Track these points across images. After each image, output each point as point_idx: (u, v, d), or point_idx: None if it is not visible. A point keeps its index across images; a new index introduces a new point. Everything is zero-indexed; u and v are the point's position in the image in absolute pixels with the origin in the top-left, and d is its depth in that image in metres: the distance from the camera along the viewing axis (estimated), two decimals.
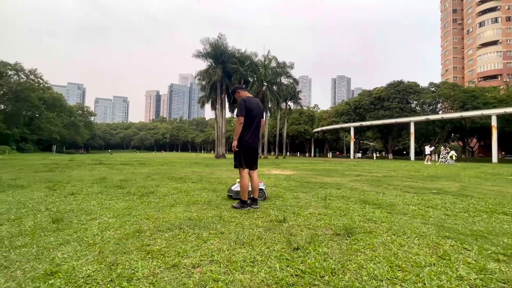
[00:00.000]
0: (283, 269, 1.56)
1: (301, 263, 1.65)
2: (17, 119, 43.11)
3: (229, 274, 1.49)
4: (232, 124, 66.17)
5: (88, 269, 1.51)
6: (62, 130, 51.96)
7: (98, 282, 1.37)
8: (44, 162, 12.86)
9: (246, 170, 3.30)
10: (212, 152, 77.15)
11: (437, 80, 50.89)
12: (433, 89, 40.24)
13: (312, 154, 55.53)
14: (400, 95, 40.51)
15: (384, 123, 38.12)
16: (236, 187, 3.79)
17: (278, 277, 1.46)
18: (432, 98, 39.03)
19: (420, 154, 42.34)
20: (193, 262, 1.63)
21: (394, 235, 2.24)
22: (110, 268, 1.54)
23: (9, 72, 42.61)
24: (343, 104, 51.97)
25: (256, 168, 3.44)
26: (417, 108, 41.49)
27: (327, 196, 4.08)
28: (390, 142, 45.51)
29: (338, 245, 1.98)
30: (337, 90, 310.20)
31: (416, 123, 34.08)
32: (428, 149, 19.46)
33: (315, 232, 2.27)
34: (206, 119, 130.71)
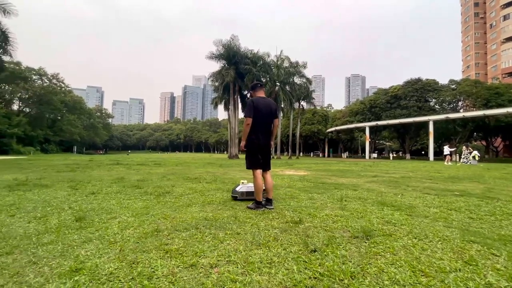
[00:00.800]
0: (301, 271, 1.54)
1: (319, 265, 1.62)
2: (41, 121, 45.31)
3: (246, 275, 1.48)
4: None
5: (110, 267, 1.56)
6: (82, 132, 54.16)
7: (120, 280, 1.41)
8: (66, 163, 13.43)
9: (258, 171, 3.29)
10: (225, 152, 77.77)
11: (458, 77, 48.70)
12: (454, 86, 38.59)
13: (326, 155, 54.76)
14: (418, 93, 39.15)
15: (401, 123, 36.98)
16: (240, 188, 3.75)
17: (296, 279, 1.45)
18: (453, 96, 37.45)
19: (439, 154, 40.72)
20: (211, 262, 1.64)
21: (415, 238, 2.16)
22: (131, 266, 1.58)
23: (33, 77, 44.91)
24: (358, 103, 50.90)
25: (269, 168, 3.42)
26: (436, 106, 39.94)
27: (343, 198, 4.01)
28: (408, 142, 44.06)
29: (356, 248, 1.93)
30: (351, 89, 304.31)
31: (435, 122, 32.83)
32: (447, 149, 18.67)
33: (332, 234, 2.23)
34: (219, 120, 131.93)
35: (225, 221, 2.62)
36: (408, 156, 42.50)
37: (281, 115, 37.07)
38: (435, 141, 35.02)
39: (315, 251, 1.85)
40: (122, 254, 1.76)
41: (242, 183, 3.88)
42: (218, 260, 1.68)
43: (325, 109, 67.00)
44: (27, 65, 43.49)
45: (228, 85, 29.54)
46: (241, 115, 34.65)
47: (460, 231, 2.37)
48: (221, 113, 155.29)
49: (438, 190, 4.96)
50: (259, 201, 3.21)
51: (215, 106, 33.88)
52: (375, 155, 45.07)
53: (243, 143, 3.28)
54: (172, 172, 8.29)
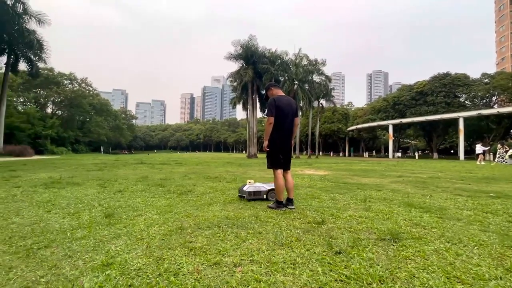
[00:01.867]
0: (326, 274, 1.50)
1: (345, 268, 1.58)
2: (71, 123, 48.26)
3: (270, 275, 1.47)
4: (263, 124, 66.47)
5: (139, 262, 1.61)
6: (108, 133, 56.98)
7: (148, 275, 1.45)
8: (94, 162, 14.19)
9: (279, 171, 3.25)
10: (244, 152, 78.26)
11: (491, 70, 45.36)
12: (487, 80, 35.99)
13: (347, 154, 53.39)
14: (446, 89, 36.96)
15: (427, 120, 35.09)
16: (247, 188, 3.71)
17: (322, 281, 1.41)
18: (486, 90, 34.95)
19: (470, 153, 38.22)
20: (234, 261, 1.65)
21: (448, 242, 2.04)
22: (158, 262, 1.62)
23: (65, 82, 47.93)
24: (380, 100, 49.07)
25: (289, 168, 3.37)
26: (467, 102, 37.54)
27: (367, 198, 3.87)
28: (435, 140, 41.75)
29: (384, 250, 1.85)
30: (373, 86, 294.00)
31: (465, 119, 30.85)
32: (480, 148, 17.43)
33: (357, 236, 2.16)
34: (238, 120, 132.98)
35: (246, 220, 2.62)
36: (435, 155, 40.32)
37: (300, 114, 36.65)
38: (465, 139, 32.91)
39: (339, 253, 1.80)
40: (149, 250, 1.82)
41: (249, 182, 3.85)
42: (241, 259, 1.68)
43: (345, 107, 65.38)
44: (59, 71, 46.52)
45: (247, 85, 29.68)
46: (259, 114, 34.74)
47: (498, 236, 2.19)
48: (240, 113, 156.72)
49: (471, 192, 4.65)
50: (280, 201, 3.18)
51: (234, 106, 34.17)
52: (399, 154, 43.16)
53: (266, 143, 3.22)
54: (193, 171, 8.47)
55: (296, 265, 1.61)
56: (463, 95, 37.65)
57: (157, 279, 1.41)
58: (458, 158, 31.06)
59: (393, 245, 1.95)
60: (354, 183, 5.75)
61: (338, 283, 1.41)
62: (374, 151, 56.65)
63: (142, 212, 2.95)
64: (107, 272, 1.48)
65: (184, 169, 9.45)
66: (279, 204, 3.17)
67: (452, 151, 53.92)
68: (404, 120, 37.46)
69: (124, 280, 1.39)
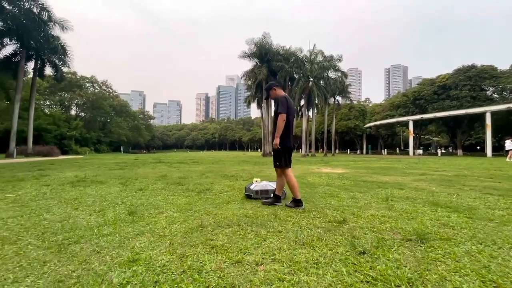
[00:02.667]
0: (350, 274, 1.46)
1: (370, 268, 1.53)
2: (93, 124, 50.39)
3: (293, 275, 1.46)
4: None
5: (163, 259, 1.65)
6: (128, 133, 58.97)
7: (172, 272, 1.48)
8: (115, 161, 14.74)
9: (290, 169, 3.27)
10: (259, 150, 78.41)
11: None
12: None
13: (364, 151, 52.03)
14: (471, 82, 34.99)
15: (450, 115, 33.44)
16: (255, 186, 3.68)
17: (347, 282, 1.38)
18: None
19: (499, 149, 36.10)
20: (256, 260, 1.64)
21: (481, 244, 1.92)
22: (181, 259, 1.65)
23: (87, 84, 50.11)
24: (400, 95, 47.37)
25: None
26: (495, 95, 35.36)
27: (389, 197, 3.75)
28: (459, 136, 39.71)
29: (411, 251, 1.78)
30: (391, 81, 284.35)
31: (493, 113, 29.05)
32: (509, 144, 16.39)
33: (381, 236, 2.09)
34: (252, 118, 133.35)
35: (265, 218, 2.62)
36: (460, 152, 38.38)
37: (315, 111, 36.12)
38: (493, 135, 31.00)
39: (364, 253, 1.74)
40: (172, 247, 1.85)
41: (256, 181, 3.82)
42: (263, 258, 1.67)
43: (362, 103, 63.68)
44: (81, 74, 48.69)
45: (261, 83, 29.60)
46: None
47: None
48: (254, 112, 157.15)
49: (502, 190, 4.38)
50: (298, 199, 3.15)
51: (248, 104, 34.25)
52: (420, 151, 41.43)
53: (277, 140, 3.16)
54: (209, 170, 8.58)
55: (319, 265, 1.58)
56: (491, 88, 35.50)
57: (182, 276, 1.44)
58: (485, 155, 29.40)
59: (421, 246, 1.87)
60: (374, 182, 5.59)
61: (364, 284, 1.37)
62: (394, 149, 54.87)
63: (163, 210, 3.01)
64: (133, 268, 1.52)
65: (201, 168, 9.59)
66: (297, 203, 3.14)
67: (478, 148, 51.12)
68: (426, 116, 35.92)
69: (150, 276, 1.43)
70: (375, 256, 1.70)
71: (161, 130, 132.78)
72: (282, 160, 3.26)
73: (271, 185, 3.70)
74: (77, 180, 5.68)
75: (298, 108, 35.44)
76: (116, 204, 3.31)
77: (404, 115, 40.61)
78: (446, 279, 1.42)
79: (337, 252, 1.77)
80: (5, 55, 21.87)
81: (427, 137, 57.69)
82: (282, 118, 3.15)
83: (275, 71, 28.63)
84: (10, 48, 21.87)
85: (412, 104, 40.90)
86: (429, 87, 38.96)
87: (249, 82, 31.47)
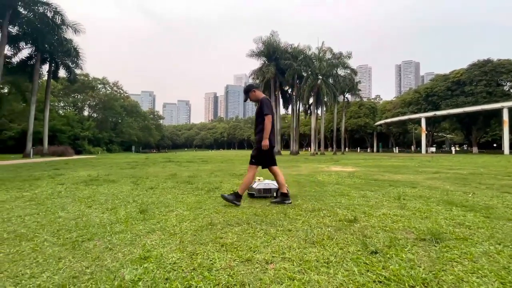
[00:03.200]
0: (362, 274, 1.44)
1: (383, 268, 1.49)
2: (105, 124, 51.55)
3: (304, 274, 1.44)
4: (286, 121, 65.87)
5: (173, 257, 1.66)
6: (138, 133, 60.04)
7: (183, 269, 1.49)
8: (126, 161, 15.03)
9: (258, 168, 3.42)
10: None
11: None
12: None
13: (375, 149, 51.20)
14: (487, 77, 33.82)
15: (465, 112, 32.49)
16: (257, 185, 3.67)
17: (359, 282, 1.35)
18: None
19: None
20: (266, 258, 1.63)
21: (499, 244, 1.85)
22: (191, 257, 1.66)
23: (99, 86, 51.27)
24: (411, 92, 46.32)
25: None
26: None
27: (401, 196, 3.66)
28: (474, 133, 38.48)
29: (425, 251, 1.73)
30: (402, 77, 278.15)
31: (510, 109, 28.02)
32: None
33: (393, 235, 2.04)
34: None
35: (275, 217, 2.60)
36: (475, 149, 37.21)
37: (324, 109, 35.74)
38: (511, 132, 29.86)
39: (376, 252, 1.71)
40: (182, 245, 1.87)
41: (258, 179, 3.83)
42: (273, 256, 1.66)
43: (372, 100, 62.60)
44: (93, 76, 49.86)
45: (269, 82, 29.56)
46: (282, 111, 34.47)
47: None
48: None
49: None
50: (285, 192, 3.28)
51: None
52: (433, 149, 40.38)
53: (266, 142, 3.20)
54: (218, 169, 8.63)
55: (330, 264, 1.56)
56: (508, 83, 34.22)
57: (192, 273, 1.44)
58: (502, 152, 28.39)
59: (435, 246, 1.82)
60: (385, 180, 5.48)
61: (376, 284, 1.34)
62: (405, 147, 53.70)
63: (173, 208, 3.05)
64: (145, 265, 1.54)
65: (210, 167, 9.65)
66: (285, 197, 3.27)
67: (494, 145, 49.36)
68: (439, 113, 35.00)
69: (161, 274, 1.44)
70: (388, 255, 1.66)
71: (170, 130, 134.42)
72: (271, 160, 3.37)
73: (274, 184, 3.68)
74: (90, 179, 5.81)
75: (307, 106, 35.20)
76: (127, 203, 3.37)
77: (416, 112, 39.69)
78: (463, 280, 1.37)
79: (348, 251, 1.74)
80: (21, 59, 22.64)
81: (440, 134, 56.18)
82: (269, 119, 3.24)
83: (283, 69, 28.51)
84: (25, 51, 22.64)
85: (424, 101, 39.89)
86: (443, 83, 37.89)
87: (257, 81, 31.45)
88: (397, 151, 44.80)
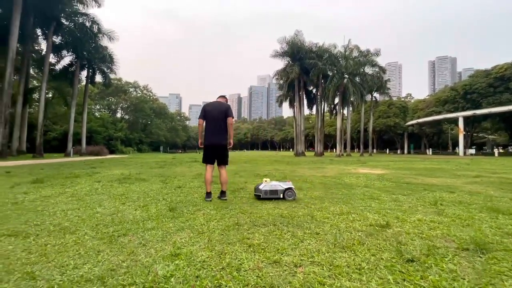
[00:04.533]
0: (398, 283, 1.35)
1: (421, 278, 1.40)
2: (136, 126, 54.35)
3: (334, 279, 1.39)
4: (310, 121, 64.77)
5: (203, 255, 1.70)
6: (166, 134, 62.49)
7: (212, 268, 1.52)
8: (155, 160, 15.73)
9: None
10: (291, 150, 77.55)
11: None
12: None
13: (406, 151, 48.48)
14: None
15: (510, 110, 29.55)
16: (264, 187, 3.62)
17: None
18: None
19: None
20: (294, 261, 1.61)
21: None
22: (220, 256, 1.68)
23: (130, 89, 54.29)
24: (447, 90, 43.19)
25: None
26: None
27: (438, 201, 3.42)
28: None
29: (469, 262, 1.59)
30: (437, 74, 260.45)
31: None
32: None
33: (431, 243, 1.91)
34: (284, 118, 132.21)
35: (301, 219, 2.56)
36: None
37: (351, 109, 34.58)
38: None
39: (412, 261, 1.61)
40: (211, 244, 1.90)
41: (265, 181, 3.78)
42: (301, 260, 1.63)
43: (403, 99, 59.43)
44: (126, 80, 52.90)
45: (293, 82, 29.26)
46: (306, 111, 33.94)
47: None
48: (286, 111, 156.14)
49: None
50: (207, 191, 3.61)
51: (280, 104, 34.08)
52: (472, 151, 37.23)
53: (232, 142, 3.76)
54: (242, 169, 8.70)
55: (362, 270, 1.49)
56: None
57: (221, 272, 1.46)
58: None
59: (480, 257, 1.67)
60: (418, 184, 5.16)
61: None
62: (440, 148, 50.18)
63: (200, 207, 3.12)
64: (176, 262, 1.59)
65: (234, 167, 9.77)
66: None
67: None
68: (479, 112, 32.21)
69: (191, 271, 1.47)
70: (426, 265, 1.56)
71: (196, 131, 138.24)
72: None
73: (281, 185, 3.63)
74: (123, 177, 6.16)
75: (332, 106, 34.31)
76: (157, 201, 3.52)
77: (453, 111, 36.92)
78: None
79: (381, 258, 1.65)
80: (63, 66, 24.67)
81: (480, 135, 51.68)
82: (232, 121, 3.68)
83: (307, 69, 28.06)
84: (67, 59, 24.63)
85: (462, 99, 37.01)
86: (483, 79, 34.86)
87: (281, 81, 31.31)
88: (430, 153, 41.95)
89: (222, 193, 3.66)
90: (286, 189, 3.59)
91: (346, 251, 1.77)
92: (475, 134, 47.11)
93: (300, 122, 29.96)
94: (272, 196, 3.58)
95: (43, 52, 22.96)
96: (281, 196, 3.57)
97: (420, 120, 41.26)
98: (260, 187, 3.66)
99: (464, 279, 1.39)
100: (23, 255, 1.71)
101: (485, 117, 35.77)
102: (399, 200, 3.52)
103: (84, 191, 4.27)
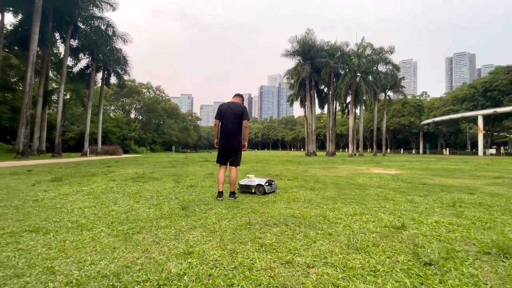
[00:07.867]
0: (416, 287, 1.31)
1: (440, 283, 1.35)
2: (149, 126, 55.53)
3: (348, 281, 1.36)
4: (321, 121, 64.04)
5: (215, 254, 1.71)
6: (178, 134, 63.47)
7: (224, 267, 1.52)
8: (168, 160, 15.99)
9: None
10: (302, 150, 76.94)
11: None
12: None
13: (421, 151, 47.09)
14: None
15: None
16: (242, 181, 4.13)
17: None
18: None
19: None
20: (307, 262, 1.59)
21: None
22: (232, 255, 1.69)
23: (143, 90, 55.48)
24: (466, 87, 41.55)
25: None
26: None
27: (456, 202, 3.30)
28: None
29: (491, 267, 1.52)
30: (454, 71, 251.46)
31: None
32: None
33: (450, 246, 1.84)
34: (295, 117, 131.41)
35: (313, 220, 2.53)
36: None
37: (363, 108, 33.92)
38: None
39: (430, 264, 1.55)
40: (223, 243, 1.91)
41: (248, 177, 4.25)
42: (314, 261, 1.61)
43: (418, 98, 57.75)
44: (139, 81, 54.13)
45: (304, 81, 29.04)
46: (318, 110, 33.59)
47: None
48: (296, 111, 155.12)
49: None
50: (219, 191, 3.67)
51: (291, 103, 33.86)
52: (492, 150, 35.64)
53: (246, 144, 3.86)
54: (253, 169, 8.71)
55: (377, 273, 1.46)
56: None
57: (233, 271, 1.46)
58: None
59: (504, 262, 1.59)
60: (435, 184, 5.00)
61: None
62: (458, 148, 48.41)
63: (212, 206, 3.15)
64: (188, 260, 1.61)
65: (245, 167, 9.79)
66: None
67: None
68: (500, 110, 30.80)
69: (204, 270, 1.49)
70: (445, 268, 1.50)
71: (207, 131, 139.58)
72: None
73: (255, 181, 4.04)
74: (137, 176, 6.29)
75: (344, 105, 33.79)
76: (170, 199, 3.57)
77: (472, 110, 35.52)
78: None
79: (397, 261, 1.61)
80: (80, 68, 25.51)
81: (501, 134, 49.43)
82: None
83: (318, 68, 27.76)
84: (83, 61, 25.45)
85: (481, 97, 35.53)
86: (505, 76, 33.33)
87: (292, 81, 31.09)
88: (447, 153, 40.52)
89: (231, 194, 3.69)
90: (258, 185, 3.98)
91: (360, 253, 1.73)
92: (495, 133, 45.11)
93: (311, 121, 29.68)
94: (247, 190, 4.06)
95: (61, 55, 23.84)
96: (253, 190, 3.99)
97: (436, 119, 39.94)
98: (241, 181, 4.16)
99: (486, 284, 1.33)
100: (43, 250, 1.78)
101: (507, 115, 34.14)
102: (415, 201, 3.42)
103: (100, 189, 4.40)
